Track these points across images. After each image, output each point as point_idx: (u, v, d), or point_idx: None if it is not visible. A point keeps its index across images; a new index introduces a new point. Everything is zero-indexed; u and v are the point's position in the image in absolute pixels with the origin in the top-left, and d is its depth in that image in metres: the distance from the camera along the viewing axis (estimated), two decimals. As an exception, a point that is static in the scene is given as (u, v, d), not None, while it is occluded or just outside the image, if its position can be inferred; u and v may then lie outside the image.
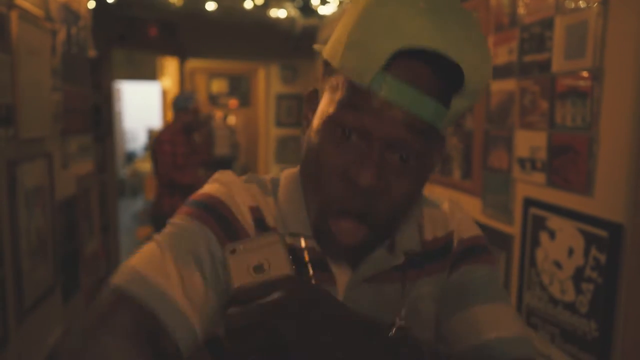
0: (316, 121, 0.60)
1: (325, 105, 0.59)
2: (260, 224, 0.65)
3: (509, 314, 0.66)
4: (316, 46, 0.68)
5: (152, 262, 0.57)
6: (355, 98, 0.55)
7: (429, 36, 0.51)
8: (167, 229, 0.64)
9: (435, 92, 0.54)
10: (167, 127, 3.81)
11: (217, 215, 0.63)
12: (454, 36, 0.52)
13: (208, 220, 0.62)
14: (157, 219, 3.87)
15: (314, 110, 0.63)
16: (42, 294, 1.81)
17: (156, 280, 0.55)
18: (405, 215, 0.63)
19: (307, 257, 0.65)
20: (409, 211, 0.63)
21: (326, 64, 0.61)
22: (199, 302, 0.57)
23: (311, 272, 0.64)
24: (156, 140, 3.75)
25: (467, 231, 0.72)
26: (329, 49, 0.61)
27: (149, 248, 0.60)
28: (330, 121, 0.57)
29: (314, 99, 0.65)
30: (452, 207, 0.74)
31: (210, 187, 0.68)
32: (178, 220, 0.64)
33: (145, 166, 6.83)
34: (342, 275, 0.66)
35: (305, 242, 0.65)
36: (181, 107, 3.82)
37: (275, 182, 0.71)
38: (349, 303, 0.61)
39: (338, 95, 0.57)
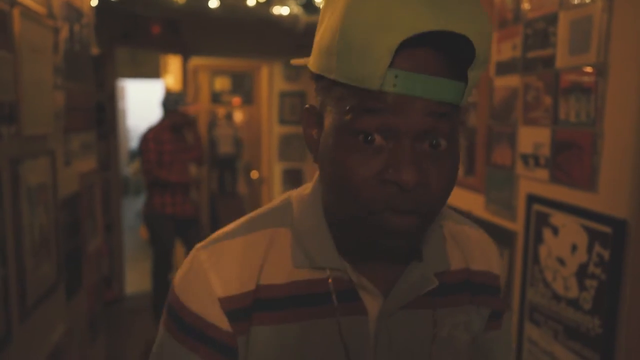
0: (328, 137, 0.56)
1: (336, 119, 0.55)
2: (237, 314, 0.61)
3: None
4: (295, 62, 0.66)
5: None
6: (370, 102, 0.51)
7: (428, 18, 0.47)
8: (152, 355, 0.65)
9: (449, 71, 0.51)
10: (154, 125, 3.81)
11: (191, 331, 0.61)
12: (452, 9, 0.48)
13: (182, 339, 0.62)
14: (148, 217, 3.88)
15: (319, 127, 0.60)
16: (45, 292, 1.82)
17: None
18: (448, 195, 0.58)
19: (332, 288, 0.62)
20: (449, 194, 0.58)
21: (318, 77, 0.58)
22: None
23: (336, 303, 0.61)
24: (141, 138, 3.76)
25: (503, 277, 0.74)
26: (317, 61, 0.57)
27: None
28: (348, 131, 0.53)
29: (312, 116, 0.62)
30: (485, 239, 0.75)
31: (179, 281, 0.64)
32: (159, 337, 0.65)
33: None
34: (373, 304, 0.63)
35: (332, 272, 0.62)
36: (170, 108, 3.81)
37: (285, 209, 0.67)
38: (381, 333, 0.62)
39: (348, 103, 0.53)
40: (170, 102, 3.80)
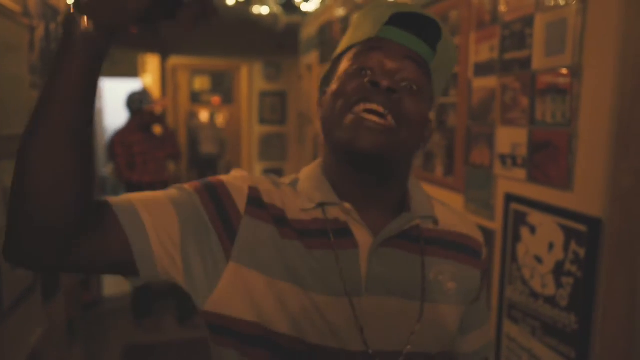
0: (334, 84, 0.74)
1: (343, 66, 0.74)
2: (255, 201, 0.73)
3: (485, 333, 0.89)
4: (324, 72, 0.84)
5: (147, 201, 0.70)
6: (367, 44, 0.72)
7: (409, 6, 0.72)
8: (172, 188, 0.75)
9: (423, 37, 0.73)
10: (121, 128, 3.74)
11: (213, 194, 0.73)
12: (426, 12, 0.73)
13: (203, 195, 0.72)
14: None
15: (327, 93, 0.76)
16: (22, 294, 1.78)
17: (143, 215, 0.68)
18: (414, 146, 0.74)
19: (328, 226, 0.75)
20: (416, 145, 0.74)
21: (334, 62, 0.78)
22: (169, 243, 0.68)
23: (332, 238, 0.73)
24: (108, 143, 3.69)
25: (485, 248, 0.86)
26: (337, 51, 0.78)
27: (151, 193, 0.72)
28: (350, 66, 0.72)
29: (323, 95, 0.79)
30: (463, 215, 0.89)
31: (222, 175, 0.79)
32: (185, 185, 0.75)
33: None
34: (364, 241, 0.74)
35: (330, 213, 0.74)
36: (136, 108, 3.72)
37: (294, 181, 0.81)
38: (372, 266, 0.73)
39: (350, 55, 0.73)
40: (135, 101, 3.72)
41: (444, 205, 0.86)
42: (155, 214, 0.69)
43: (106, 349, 3.79)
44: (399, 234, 0.75)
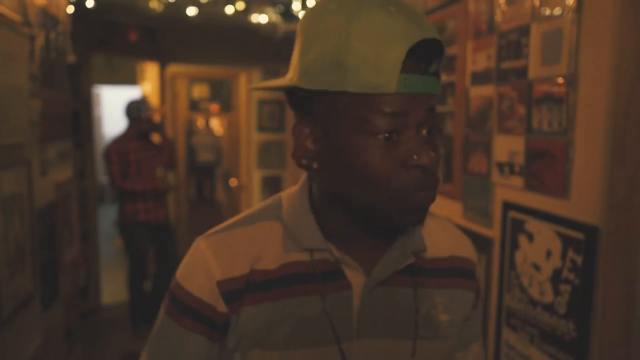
0: (345, 140, 0.64)
1: (348, 124, 0.63)
2: (232, 295, 0.69)
3: (480, 347, 0.86)
4: (263, 85, 0.75)
5: None
6: (388, 104, 0.61)
7: (417, 31, 0.61)
8: (155, 331, 0.74)
9: (434, 70, 0.65)
10: (118, 136, 3.76)
11: (187, 310, 0.71)
12: (425, 23, 0.63)
13: (182, 320, 0.71)
14: (122, 226, 3.84)
15: (314, 137, 0.67)
16: (21, 303, 1.78)
17: None
18: None
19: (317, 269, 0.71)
20: None
21: (310, 96, 0.65)
22: None
23: (320, 280, 0.70)
24: (104, 151, 3.72)
25: (479, 264, 0.85)
26: (315, 78, 0.64)
27: None
28: (366, 132, 0.62)
29: (305, 128, 0.68)
30: (455, 229, 0.85)
31: (181, 270, 0.74)
32: (160, 323, 0.74)
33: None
34: (357, 281, 0.71)
35: (318, 254, 0.71)
36: (134, 116, 3.77)
37: (276, 206, 0.76)
38: (365, 307, 0.70)
39: (357, 111, 0.62)
40: (133, 109, 3.75)
41: (435, 220, 0.83)
42: None
43: (104, 357, 3.78)
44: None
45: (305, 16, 0.68)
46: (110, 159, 3.64)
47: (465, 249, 0.83)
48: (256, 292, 0.70)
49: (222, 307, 0.69)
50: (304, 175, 0.76)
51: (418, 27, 0.61)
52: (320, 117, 0.66)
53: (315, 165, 0.68)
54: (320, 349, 0.69)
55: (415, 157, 0.63)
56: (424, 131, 0.64)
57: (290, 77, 0.69)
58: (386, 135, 0.62)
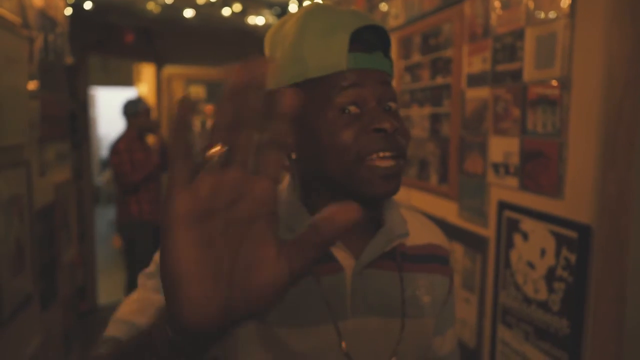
0: (313, 120, 0.70)
1: (312, 109, 0.70)
2: None
3: (454, 332, 0.91)
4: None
5: (130, 305, 0.70)
6: (341, 80, 0.68)
7: (359, 18, 0.70)
8: (154, 262, 0.76)
9: (381, 50, 0.73)
10: (122, 136, 3.76)
11: None
12: (368, 16, 0.73)
13: None
14: (125, 226, 3.81)
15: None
16: (20, 303, 1.79)
17: (129, 317, 0.68)
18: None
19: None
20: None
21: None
22: None
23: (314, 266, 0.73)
24: (112, 150, 3.70)
25: (451, 252, 0.91)
26: (284, 76, 0.72)
27: (133, 293, 0.73)
28: (329, 108, 0.69)
29: None
30: (426, 219, 0.91)
31: None
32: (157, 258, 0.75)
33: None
34: (347, 264, 0.75)
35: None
36: (132, 112, 3.78)
37: None
38: (357, 288, 0.75)
39: (320, 93, 0.69)
40: (130, 106, 3.77)
41: (410, 212, 0.88)
42: None
43: (101, 359, 3.77)
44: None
45: (267, 34, 0.78)
46: (121, 157, 3.63)
47: (439, 237, 0.88)
48: None
49: None
50: (286, 177, 0.82)
51: (361, 18, 0.70)
52: None
53: (293, 157, 0.74)
54: (317, 327, 0.72)
55: (375, 121, 0.68)
56: (386, 106, 0.71)
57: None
58: (350, 109, 0.69)
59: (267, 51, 0.76)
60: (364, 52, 0.70)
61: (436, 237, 0.88)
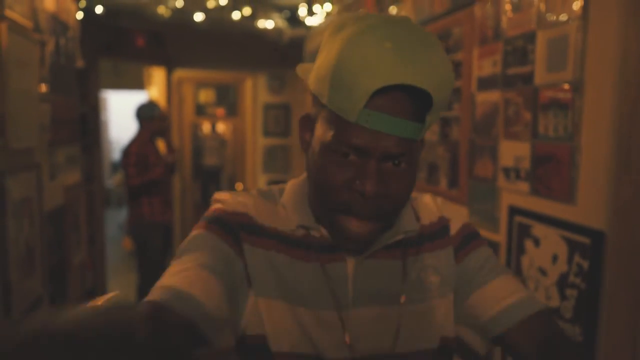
0: (316, 146, 0.71)
1: (322, 134, 0.69)
2: (247, 228, 0.76)
3: (514, 281, 0.81)
4: (300, 71, 0.80)
5: (173, 274, 0.68)
6: (349, 131, 0.65)
7: (398, 72, 0.61)
8: (186, 241, 0.75)
9: (411, 114, 0.66)
10: (135, 139, 3.78)
11: (225, 227, 0.75)
12: (419, 67, 0.62)
13: (214, 229, 0.75)
14: (137, 228, 3.82)
15: (311, 131, 0.74)
16: (30, 306, 1.80)
17: (179, 286, 0.65)
18: (408, 194, 0.73)
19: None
20: (407, 203, 0.74)
21: (315, 96, 0.72)
22: (213, 295, 0.67)
23: (318, 253, 0.75)
24: (125, 152, 3.72)
25: (459, 219, 0.86)
26: (314, 83, 0.71)
27: (171, 267, 0.71)
28: (329, 147, 0.68)
29: (307, 122, 0.76)
30: (436, 198, 0.89)
31: (212, 208, 0.80)
32: (195, 232, 0.76)
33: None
34: (349, 255, 0.76)
35: (314, 232, 0.76)
36: (147, 115, 3.80)
37: (282, 191, 0.83)
38: (357, 279, 0.76)
39: (332, 127, 0.67)
40: (146, 109, 3.80)
41: (428, 196, 0.88)
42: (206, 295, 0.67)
43: None
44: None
45: (332, 22, 0.73)
46: (128, 160, 3.66)
47: (445, 211, 0.86)
48: (268, 239, 0.75)
49: (241, 233, 0.75)
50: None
51: (404, 70, 0.61)
52: (314, 114, 0.73)
53: (305, 156, 0.76)
54: (322, 312, 0.74)
55: (357, 181, 0.66)
56: (390, 163, 0.67)
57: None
58: (344, 154, 0.67)
59: (311, 44, 0.75)
60: (386, 112, 0.64)
61: (442, 212, 0.86)
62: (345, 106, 0.64)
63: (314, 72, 0.72)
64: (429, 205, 0.87)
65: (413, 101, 0.65)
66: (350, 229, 0.69)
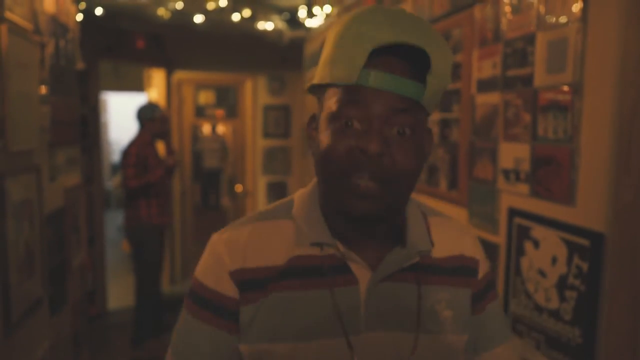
0: (322, 124, 0.71)
1: (326, 111, 0.70)
2: (243, 284, 0.73)
3: (514, 347, 0.86)
4: (307, 81, 0.80)
5: None
6: (350, 94, 0.67)
7: (395, 33, 0.65)
8: (180, 334, 0.77)
9: (409, 73, 0.67)
10: (135, 140, 3.77)
11: (205, 303, 0.75)
12: (414, 31, 0.66)
13: (201, 313, 0.75)
14: (134, 230, 3.81)
15: (316, 128, 0.75)
16: (30, 308, 1.80)
17: None
18: (411, 189, 0.73)
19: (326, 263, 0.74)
20: (413, 186, 0.73)
21: (318, 91, 0.74)
22: None
23: (328, 274, 0.73)
24: (125, 153, 3.71)
25: (485, 262, 0.85)
26: (317, 76, 0.73)
27: None
28: (335, 118, 0.68)
29: (313, 121, 0.77)
30: (463, 227, 0.87)
31: (199, 267, 0.79)
32: (185, 318, 0.77)
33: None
34: (363, 277, 0.74)
35: (327, 249, 0.74)
36: (148, 117, 3.79)
37: (289, 204, 0.81)
38: (372, 301, 0.73)
39: (334, 98, 0.69)
40: (147, 110, 3.79)
41: (441, 218, 0.85)
42: None
43: (111, 363, 3.79)
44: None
45: (331, 27, 0.75)
46: (127, 160, 3.65)
47: (469, 248, 0.84)
48: (266, 285, 0.73)
49: (236, 294, 0.73)
50: (315, 178, 0.80)
51: (398, 31, 0.65)
52: (319, 111, 0.74)
53: (314, 151, 0.75)
54: (328, 341, 0.71)
55: (360, 142, 0.66)
56: (394, 131, 0.67)
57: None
58: (348, 122, 0.67)
59: (311, 47, 0.79)
60: (385, 70, 0.66)
61: (467, 247, 0.84)
62: (346, 72, 0.66)
63: (319, 67, 0.74)
64: (450, 228, 0.84)
65: (412, 63, 0.68)
66: (357, 186, 0.67)
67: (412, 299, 0.76)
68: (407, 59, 0.68)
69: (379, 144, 0.65)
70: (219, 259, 0.75)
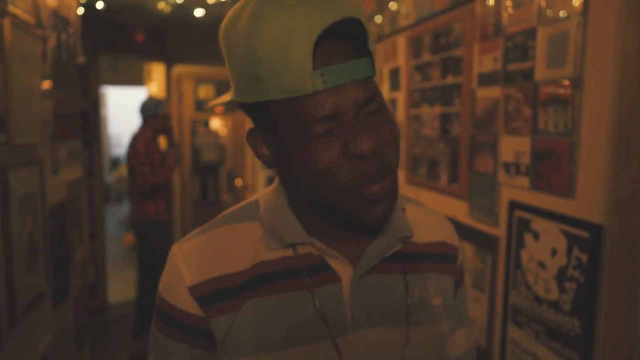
0: (289, 143, 0.62)
1: (284, 131, 0.61)
2: (213, 296, 0.67)
3: (468, 332, 0.87)
4: (213, 103, 0.76)
5: None
6: (309, 104, 0.58)
7: (323, 16, 0.55)
8: (150, 342, 0.73)
9: (355, 53, 0.60)
10: (139, 136, 3.77)
11: (170, 321, 0.69)
12: (334, 4, 0.57)
13: (167, 331, 0.69)
14: (140, 225, 3.83)
15: (268, 143, 0.67)
16: (33, 301, 1.82)
17: None
18: (399, 159, 0.67)
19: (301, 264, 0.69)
20: (399, 156, 0.67)
21: (251, 104, 0.64)
22: None
23: (306, 275, 0.68)
24: (134, 152, 3.71)
25: (462, 249, 0.84)
26: (243, 92, 0.62)
27: None
28: (300, 132, 0.60)
29: (258, 137, 0.68)
30: (439, 214, 0.85)
31: (161, 281, 0.73)
32: (153, 331, 0.72)
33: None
34: (345, 273, 0.69)
35: (302, 249, 0.69)
36: (152, 113, 3.79)
37: (257, 205, 0.74)
38: (357, 298, 0.68)
39: (290, 114, 0.60)
40: (151, 107, 3.79)
41: (416, 205, 0.83)
42: None
43: (112, 356, 3.81)
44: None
45: (222, 27, 0.65)
46: (140, 159, 3.65)
47: (449, 235, 0.82)
48: (238, 293, 0.67)
49: (197, 311, 0.66)
50: (276, 179, 0.76)
51: (325, 12, 0.55)
52: (265, 125, 0.65)
53: (276, 169, 0.68)
54: (314, 346, 0.66)
55: (351, 145, 0.59)
56: (364, 114, 0.61)
57: (230, 91, 0.68)
58: (318, 132, 0.59)
59: (224, 53, 0.65)
60: (337, 61, 0.58)
61: (447, 234, 0.82)
62: (292, 83, 0.56)
63: (235, 84, 0.64)
64: (427, 215, 0.82)
65: (348, 40, 0.60)
66: (371, 194, 0.61)
67: (399, 290, 0.71)
68: (342, 35, 0.59)
69: (370, 138, 0.59)
70: (177, 273, 0.68)
